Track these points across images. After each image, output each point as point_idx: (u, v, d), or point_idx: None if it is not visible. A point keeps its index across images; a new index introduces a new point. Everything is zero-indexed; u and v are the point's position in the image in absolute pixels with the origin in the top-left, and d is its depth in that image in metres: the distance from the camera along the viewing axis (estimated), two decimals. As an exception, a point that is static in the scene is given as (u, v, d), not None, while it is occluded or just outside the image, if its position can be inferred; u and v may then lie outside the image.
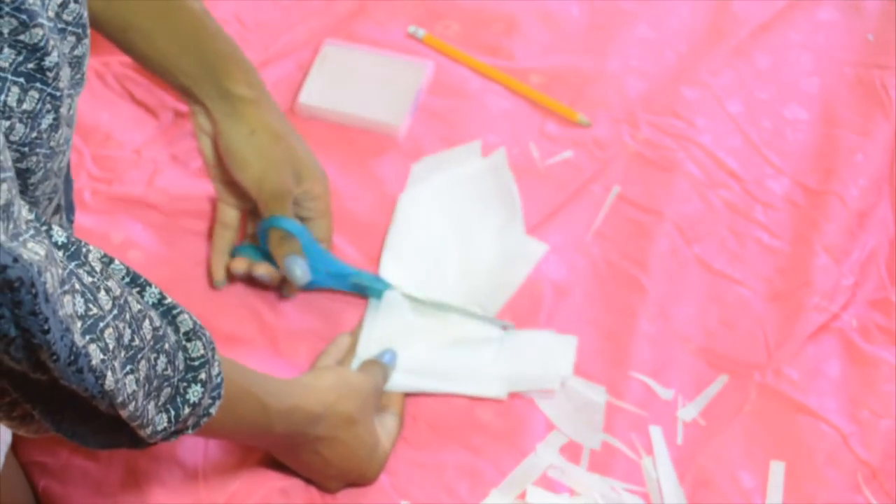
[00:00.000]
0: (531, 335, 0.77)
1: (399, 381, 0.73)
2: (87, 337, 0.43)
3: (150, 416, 0.49)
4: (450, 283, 0.79)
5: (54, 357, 0.40)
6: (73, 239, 0.46)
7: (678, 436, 0.73)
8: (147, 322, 0.48)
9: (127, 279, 0.50)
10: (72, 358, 0.41)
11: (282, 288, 0.78)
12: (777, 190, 0.86)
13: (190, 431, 0.54)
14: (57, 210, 0.57)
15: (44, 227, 0.44)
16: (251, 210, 0.78)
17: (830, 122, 0.90)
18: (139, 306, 0.48)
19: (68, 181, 0.62)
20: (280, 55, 0.90)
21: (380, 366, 0.73)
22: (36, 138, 0.47)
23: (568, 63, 0.93)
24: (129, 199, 0.81)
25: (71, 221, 0.64)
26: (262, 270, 0.76)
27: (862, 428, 0.74)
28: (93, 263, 0.46)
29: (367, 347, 0.75)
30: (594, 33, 0.95)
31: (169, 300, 0.52)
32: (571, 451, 0.72)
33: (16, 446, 0.69)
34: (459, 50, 0.92)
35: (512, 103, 0.89)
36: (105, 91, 0.87)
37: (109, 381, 0.44)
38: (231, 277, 0.78)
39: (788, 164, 0.87)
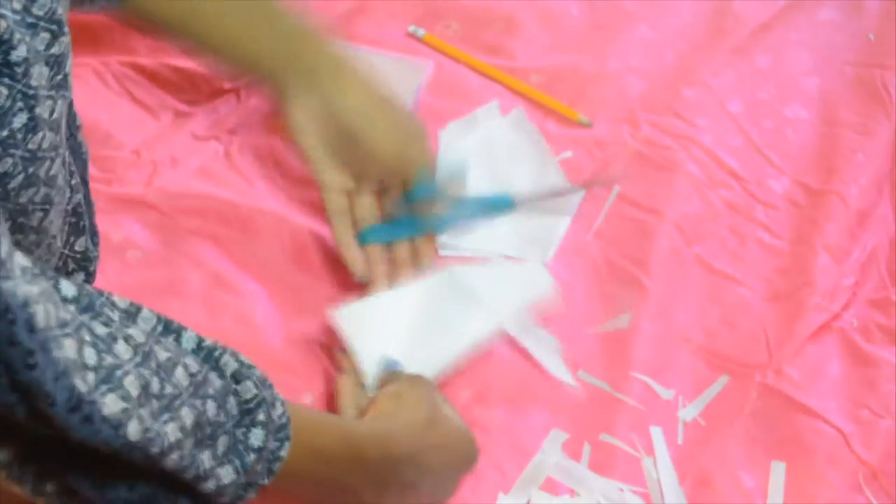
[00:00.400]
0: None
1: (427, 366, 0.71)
2: (104, 387, 0.41)
3: (206, 468, 0.46)
4: (500, 234, 0.80)
5: (49, 400, 0.38)
6: (85, 291, 0.44)
7: (679, 436, 0.73)
8: (180, 369, 0.46)
9: (159, 328, 0.48)
10: (74, 403, 0.39)
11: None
12: (778, 189, 0.86)
13: (265, 481, 0.50)
14: (77, 231, 0.56)
15: (48, 278, 0.42)
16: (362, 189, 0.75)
17: (831, 122, 0.90)
18: (168, 353, 0.46)
19: (89, 203, 0.61)
20: (280, 55, 0.90)
21: (409, 377, 0.69)
22: (7, 137, 0.45)
23: (568, 63, 0.93)
24: (128, 198, 0.80)
25: (96, 244, 0.64)
26: (402, 258, 0.74)
27: (863, 428, 0.74)
28: (110, 314, 0.44)
29: (369, 359, 0.72)
30: (594, 33, 0.95)
31: (208, 343, 0.49)
32: (572, 451, 0.72)
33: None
34: (459, 50, 0.92)
35: (512, 103, 0.89)
36: (105, 91, 0.87)
37: (134, 430, 0.41)
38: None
39: (789, 163, 0.88)
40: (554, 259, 0.81)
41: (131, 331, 0.44)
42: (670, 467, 0.71)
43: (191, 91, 0.88)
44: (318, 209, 0.82)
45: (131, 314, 0.46)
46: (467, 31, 0.94)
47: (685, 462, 0.72)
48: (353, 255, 0.74)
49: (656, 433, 0.73)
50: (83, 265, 0.63)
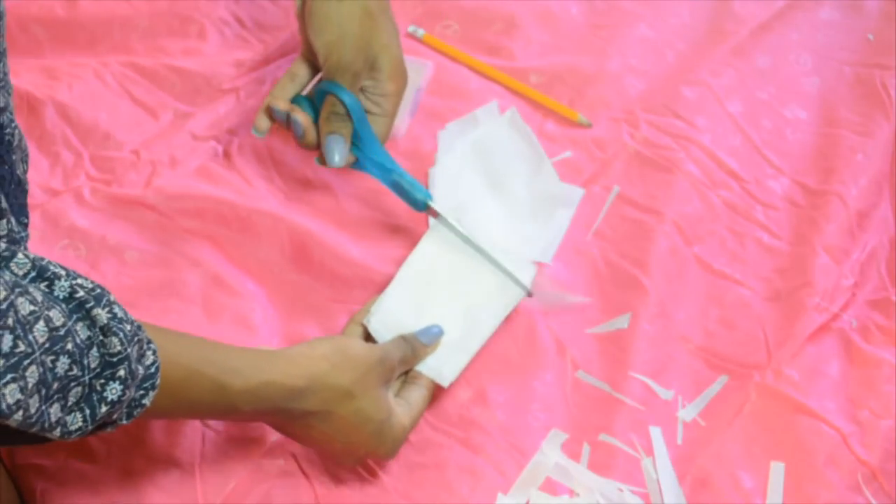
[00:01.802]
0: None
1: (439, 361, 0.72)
2: None
3: (53, 419, 0.48)
4: (497, 235, 0.80)
5: None
6: None
7: (678, 436, 0.73)
8: (41, 323, 0.46)
9: (33, 273, 0.49)
10: None
11: (316, 158, 0.77)
12: (777, 190, 0.86)
13: (124, 421, 0.52)
14: None
15: None
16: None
17: (830, 122, 0.90)
18: (33, 307, 0.46)
19: (6, 182, 0.61)
20: (280, 55, 0.90)
21: (404, 339, 0.70)
22: None
23: (568, 63, 0.92)
24: (127, 199, 0.81)
25: (24, 225, 0.64)
26: (301, 118, 0.75)
27: (862, 428, 0.74)
28: None
29: (379, 317, 0.73)
30: (594, 33, 0.95)
31: (81, 294, 0.50)
32: (571, 451, 0.72)
33: (12, 449, 0.69)
34: (459, 50, 0.92)
35: (511, 103, 0.89)
36: (104, 91, 0.87)
37: None
38: (271, 130, 0.77)
39: (788, 163, 0.87)
40: (554, 259, 0.81)
41: None
42: (670, 467, 0.71)
43: (190, 91, 0.88)
44: (318, 209, 0.82)
45: (4, 258, 0.47)
46: (467, 31, 0.94)
47: (684, 462, 0.72)
48: (261, 110, 0.77)
49: (656, 433, 0.73)
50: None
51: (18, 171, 0.62)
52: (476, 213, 0.81)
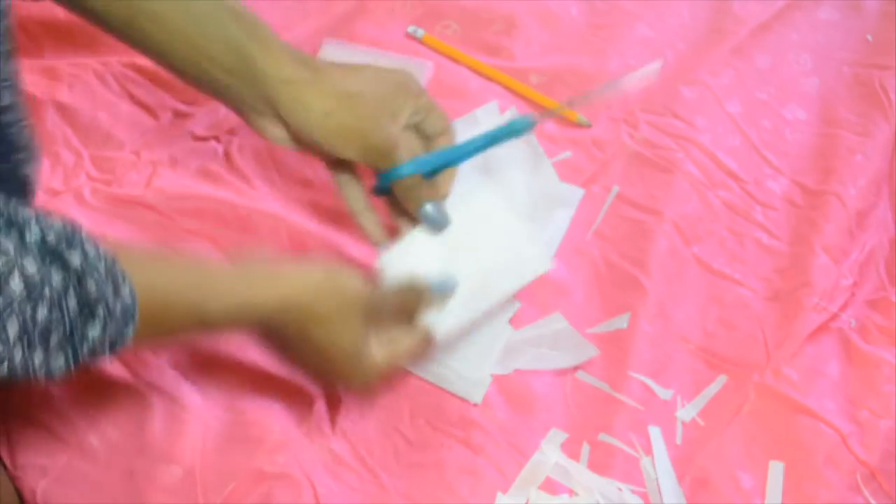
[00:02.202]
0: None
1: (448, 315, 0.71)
2: None
3: (37, 364, 0.49)
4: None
5: None
6: None
7: (677, 436, 0.73)
8: (16, 274, 0.47)
9: (1, 222, 0.49)
10: None
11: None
12: (776, 190, 0.86)
13: (107, 355, 0.53)
14: None
15: None
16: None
17: (830, 123, 0.90)
18: (5, 259, 0.47)
19: (16, 182, 0.61)
20: (279, 55, 0.90)
21: (412, 288, 0.69)
22: None
23: (567, 63, 0.93)
24: (127, 199, 0.81)
25: None
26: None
27: (861, 428, 0.74)
28: None
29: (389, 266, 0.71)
30: (594, 33, 0.95)
31: (52, 237, 0.49)
32: (570, 451, 0.72)
33: (12, 449, 0.69)
34: (459, 50, 0.92)
35: (511, 103, 0.89)
36: (104, 91, 0.87)
37: None
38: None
39: (787, 164, 0.87)
40: (554, 259, 0.81)
41: None
42: (669, 467, 0.71)
43: (190, 91, 0.87)
44: (318, 210, 0.82)
45: None
46: (467, 31, 0.94)
47: (684, 462, 0.72)
48: (370, 225, 0.74)
49: (655, 433, 0.73)
50: None
51: (25, 171, 0.62)
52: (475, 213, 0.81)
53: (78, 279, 0.50)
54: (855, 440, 0.73)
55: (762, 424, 0.73)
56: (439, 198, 0.72)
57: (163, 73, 0.87)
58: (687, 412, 0.74)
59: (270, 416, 0.71)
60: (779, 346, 0.77)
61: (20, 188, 0.63)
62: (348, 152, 0.70)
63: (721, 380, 0.76)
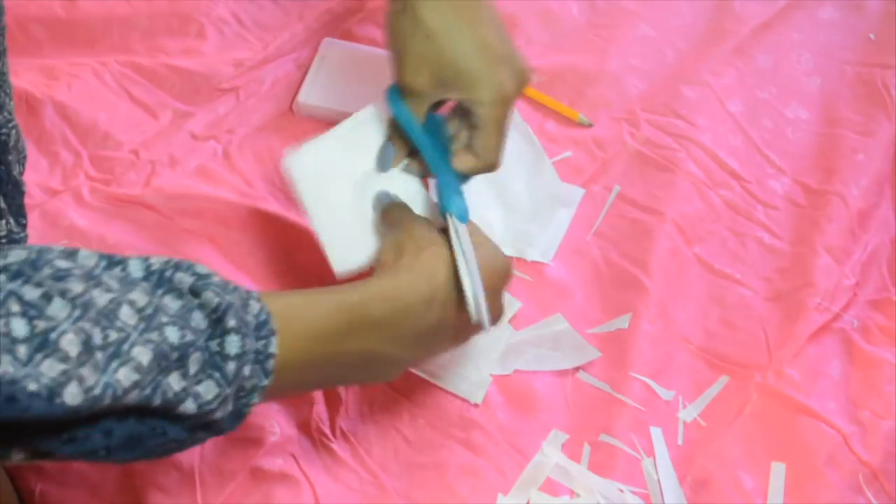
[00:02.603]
0: None
1: None
2: (39, 355, 0.41)
3: (176, 390, 0.46)
4: (497, 234, 0.79)
5: None
6: (15, 258, 0.44)
7: (679, 436, 0.73)
8: (125, 308, 0.45)
9: (103, 263, 0.47)
10: None
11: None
12: (778, 190, 0.86)
13: (264, 382, 0.50)
14: None
15: None
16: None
17: (831, 122, 0.90)
18: (110, 295, 0.45)
19: (4, 182, 0.61)
20: (279, 54, 0.90)
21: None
22: None
23: (568, 62, 0.92)
24: (126, 199, 0.80)
25: (22, 225, 0.63)
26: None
27: (863, 429, 0.73)
28: (41, 274, 0.43)
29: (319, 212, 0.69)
30: (595, 32, 0.95)
31: (157, 266, 0.48)
32: (571, 452, 0.72)
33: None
34: (459, 49, 0.92)
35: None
36: (103, 90, 0.86)
37: (72, 394, 0.41)
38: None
39: (789, 163, 0.87)
40: (554, 259, 0.81)
41: (69, 284, 0.43)
42: (670, 468, 0.71)
43: (190, 91, 0.87)
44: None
45: (70, 254, 0.45)
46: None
47: (685, 463, 0.71)
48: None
49: (656, 434, 0.73)
50: None
51: (15, 172, 0.62)
52: (476, 212, 0.81)
53: (196, 298, 0.48)
54: (857, 441, 0.73)
55: (764, 425, 0.73)
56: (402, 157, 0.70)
57: (161, 72, 0.88)
58: (688, 413, 0.74)
59: (270, 416, 0.71)
60: (780, 346, 0.77)
61: (14, 190, 0.62)
62: (409, 70, 0.67)
63: (723, 380, 0.76)
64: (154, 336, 0.45)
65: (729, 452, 0.72)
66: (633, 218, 0.83)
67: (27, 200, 0.66)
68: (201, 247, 0.79)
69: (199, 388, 0.47)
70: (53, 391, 0.41)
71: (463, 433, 0.72)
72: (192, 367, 0.47)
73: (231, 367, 0.48)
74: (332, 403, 0.73)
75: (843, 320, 0.78)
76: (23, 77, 0.85)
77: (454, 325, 0.62)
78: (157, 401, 0.45)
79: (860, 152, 0.87)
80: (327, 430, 0.71)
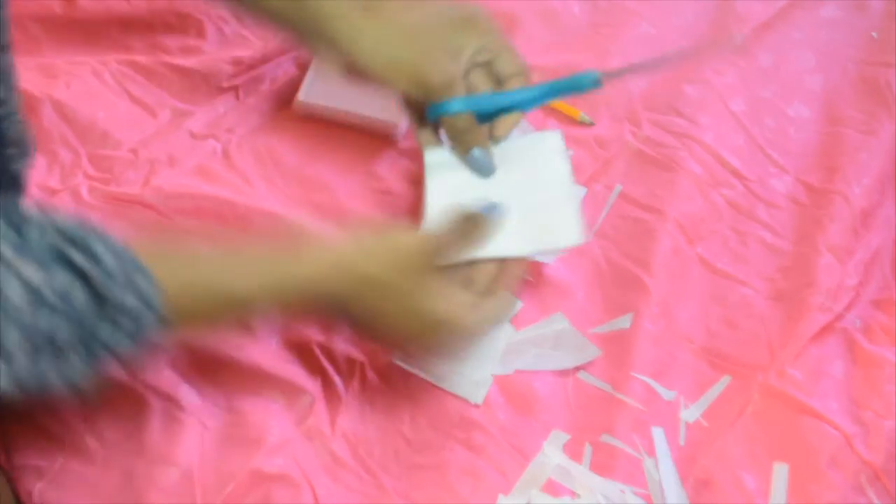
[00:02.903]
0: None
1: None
2: None
3: (46, 371, 0.48)
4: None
5: None
6: None
7: (680, 437, 0.73)
8: (12, 282, 0.46)
9: (2, 223, 0.48)
10: None
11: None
12: (780, 189, 0.86)
13: (138, 354, 0.52)
14: None
15: None
16: None
17: (834, 121, 0.90)
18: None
19: (9, 177, 0.61)
20: (279, 53, 0.90)
21: (466, 219, 0.66)
22: None
23: (569, 61, 0.92)
24: (125, 198, 0.80)
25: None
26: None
27: (865, 429, 0.73)
28: None
29: (436, 200, 0.69)
30: (596, 31, 0.95)
31: (54, 238, 0.49)
32: (573, 452, 0.72)
33: (9, 450, 0.69)
34: (460, 48, 0.92)
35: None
36: (102, 89, 0.87)
37: None
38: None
39: (791, 162, 0.87)
40: (556, 259, 0.80)
41: None
42: (672, 468, 0.71)
43: (189, 90, 0.88)
44: (317, 208, 0.82)
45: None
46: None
47: (687, 463, 0.71)
48: (424, 133, 0.71)
49: (658, 434, 0.73)
50: None
51: (15, 166, 0.62)
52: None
53: (83, 278, 0.49)
54: (859, 441, 0.73)
55: (766, 425, 0.73)
56: (490, 143, 0.70)
57: (161, 71, 0.88)
58: (690, 413, 0.74)
59: (270, 417, 0.71)
60: (783, 346, 0.77)
61: (11, 184, 0.62)
62: (401, 85, 0.68)
63: (725, 380, 0.76)
64: (26, 317, 0.46)
65: (731, 453, 0.72)
66: (635, 217, 0.83)
67: (25, 199, 0.66)
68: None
69: (66, 367, 0.49)
70: None
71: (463, 433, 0.72)
72: (61, 345, 0.48)
73: (99, 346, 0.50)
74: (333, 403, 0.73)
75: (846, 320, 0.78)
76: (22, 76, 0.84)
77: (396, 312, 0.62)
78: (30, 384, 0.48)
79: (863, 151, 0.87)
80: (327, 430, 0.71)
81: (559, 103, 0.89)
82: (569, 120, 0.88)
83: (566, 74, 0.91)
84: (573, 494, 0.70)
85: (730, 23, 0.96)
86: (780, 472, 0.71)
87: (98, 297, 0.49)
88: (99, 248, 0.50)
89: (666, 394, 0.74)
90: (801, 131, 0.89)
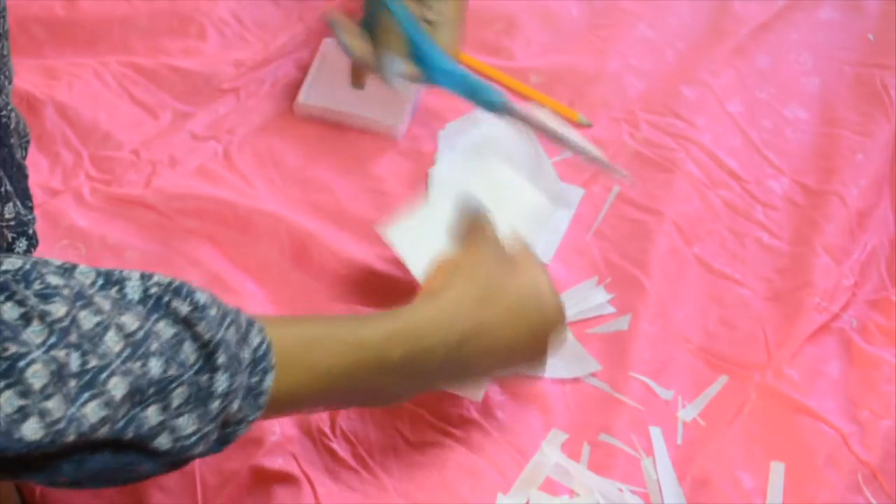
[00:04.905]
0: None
1: None
2: (2, 383, 0.39)
3: (153, 422, 0.44)
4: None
5: None
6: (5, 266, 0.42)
7: (678, 436, 0.73)
8: (112, 332, 0.43)
9: (100, 281, 0.45)
10: None
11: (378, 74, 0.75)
12: (777, 190, 0.86)
13: (254, 416, 0.48)
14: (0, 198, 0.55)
15: None
16: None
17: (830, 122, 0.90)
18: (99, 317, 0.43)
19: (8, 166, 0.61)
20: (279, 55, 0.90)
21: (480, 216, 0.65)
22: None
23: (568, 63, 0.93)
24: (127, 199, 0.80)
25: (29, 208, 0.63)
26: (356, 46, 0.73)
27: (862, 428, 0.73)
28: (26, 290, 0.42)
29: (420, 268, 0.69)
30: (594, 33, 0.95)
31: (156, 289, 0.46)
32: (571, 451, 0.72)
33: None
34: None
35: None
36: (103, 91, 0.86)
37: (32, 429, 0.40)
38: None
39: (788, 163, 0.87)
40: (554, 259, 0.81)
41: (53, 305, 0.42)
42: (670, 467, 0.71)
43: (190, 91, 0.88)
44: (318, 210, 0.82)
45: (66, 270, 0.44)
46: (467, 31, 0.94)
47: (684, 462, 0.71)
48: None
49: (656, 433, 0.73)
50: (20, 231, 0.61)
51: (18, 156, 0.62)
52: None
53: (188, 329, 0.46)
54: (856, 440, 0.73)
55: (763, 425, 0.73)
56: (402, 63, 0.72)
57: (162, 72, 0.88)
58: (688, 412, 0.74)
59: (270, 417, 0.71)
60: (780, 346, 0.77)
61: (18, 173, 0.62)
62: None
63: (722, 380, 0.76)
64: (136, 367, 0.44)
65: (728, 452, 0.72)
66: (633, 218, 0.83)
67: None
68: (201, 247, 0.79)
69: (179, 422, 0.45)
70: (10, 426, 0.40)
71: (463, 433, 0.72)
72: (175, 401, 0.45)
73: (216, 405, 0.46)
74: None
75: (842, 320, 0.79)
76: (23, 77, 0.85)
77: (492, 365, 0.60)
78: (129, 434, 0.44)
79: (859, 152, 0.87)
80: (327, 430, 0.71)
81: (558, 104, 0.89)
82: (567, 121, 0.89)
83: (565, 75, 0.92)
84: (572, 493, 0.70)
85: (727, 24, 0.96)
86: (777, 472, 0.71)
87: (207, 346, 0.46)
88: (202, 299, 0.47)
89: (664, 393, 0.75)
90: (797, 133, 0.89)
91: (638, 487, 0.70)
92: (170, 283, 0.47)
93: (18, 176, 0.61)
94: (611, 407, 0.74)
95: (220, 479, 0.68)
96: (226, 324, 0.47)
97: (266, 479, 0.69)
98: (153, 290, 0.46)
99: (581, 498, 0.69)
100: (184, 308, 0.46)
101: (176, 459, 0.47)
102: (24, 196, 0.62)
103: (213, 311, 0.47)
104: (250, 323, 0.49)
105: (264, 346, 0.49)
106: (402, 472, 0.70)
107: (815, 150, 0.88)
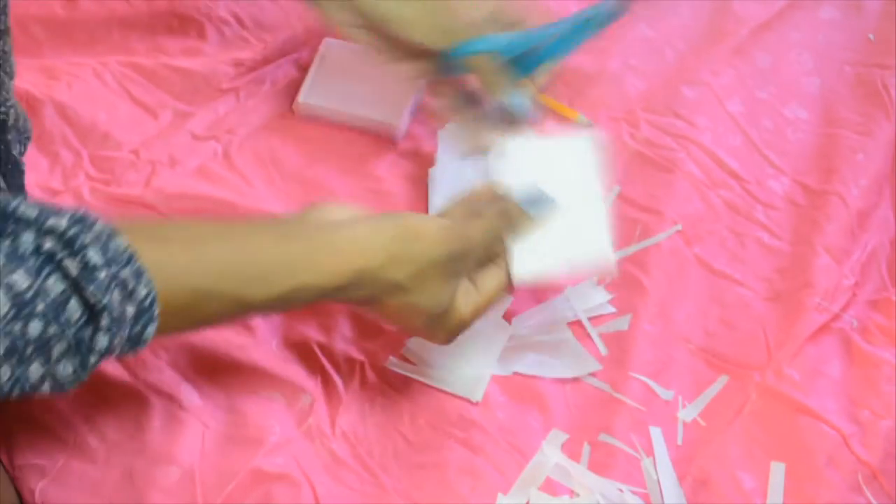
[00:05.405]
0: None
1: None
2: None
3: (34, 378, 0.47)
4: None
5: None
6: None
7: (678, 436, 0.73)
8: (2, 292, 0.45)
9: None
10: None
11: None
12: (777, 190, 0.86)
13: (130, 355, 0.51)
14: None
15: None
16: None
17: (831, 122, 0.90)
18: None
19: (11, 163, 0.61)
20: (279, 55, 0.90)
21: (502, 214, 0.65)
22: None
23: (568, 63, 0.92)
24: (126, 199, 0.80)
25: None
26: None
27: (862, 428, 0.73)
28: None
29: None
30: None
31: (49, 245, 0.47)
32: (571, 452, 0.72)
33: (11, 449, 0.69)
34: (459, 49, 0.92)
35: (512, 103, 0.89)
36: (103, 91, 0.86)
37: None
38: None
39: (789, 163, 0.87)
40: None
41: None
42: (670, 468, 0.71)
43: (190, 91, 0.87)
44: (317, 209, 0.82)
45: None
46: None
47: (685, 462, 0.71)
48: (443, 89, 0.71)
49: (656, 434, 0.73)
50: None
51: (14, 152, 0.62)
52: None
53: (76, 290, 0.47)
54: (856, 440, 0.73)
55: (763, 425, 0.73)
56: (528, 87, 0.68)
57: (162, 72, 0.88)
58: (688, 413, 0.74)
59: (270, 416, 0.71)
60: (780, 346, 0.77)
61: (14, 169, 0.62)
62: (418, 32, 0.66)
63: (722, 380, 0.76)
64: (17, 328, 0.45)
65: (728, 452, 0.72)
66: (633, 218, 0.83)
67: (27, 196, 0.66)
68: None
69: (58, 368, 0.48)
70: None
71: (463, 433, 0.72)
72: (55, 354, 0.47)
73: (94, 359, 0.48)
74: (333, 403, 0.73)
75: (843, 320, 0.78)
76: (23, 77, 0.85)
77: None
78: (14, 394, 0.46)
79: (859, 152, 0.87)
80: (327, 430, 0.71)
81: (558, 104, 0.89)
82: (567, 121, 0.89)
83: (565, 76, 0.91)
84: (572, 493, 0.70)
85: (728, 24, 0.96)
86: (778, 472, 0.71)
87: (92, 308, 0.47)
88: (94, 258, 0.48)
89: (664, 394, 0.75)
90: (798, 133, 0.89)
91: (638, 488, 0.70)
92: (63, 234, 0.47)
93: (14, 172, 0.61)
94: (611, 407, 0.74)
95: (220, 478, 0.68)
96: (113, 285, 0.48)
97: (266, 479, 0.69)
98: (47, 244, 0.47)
99: (581, 498, 0.69)
100: (74, 268, 0.47)
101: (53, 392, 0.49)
102: (19, 192, 0.62)
103: (101, 274, 0.48)
104: (139, 273, 0.49)
105: (150, 299, 0.50)
106: (402, 472, 0.70)
107: (815, 150, 0.88)
